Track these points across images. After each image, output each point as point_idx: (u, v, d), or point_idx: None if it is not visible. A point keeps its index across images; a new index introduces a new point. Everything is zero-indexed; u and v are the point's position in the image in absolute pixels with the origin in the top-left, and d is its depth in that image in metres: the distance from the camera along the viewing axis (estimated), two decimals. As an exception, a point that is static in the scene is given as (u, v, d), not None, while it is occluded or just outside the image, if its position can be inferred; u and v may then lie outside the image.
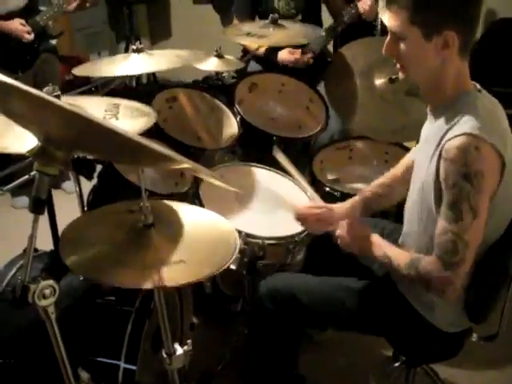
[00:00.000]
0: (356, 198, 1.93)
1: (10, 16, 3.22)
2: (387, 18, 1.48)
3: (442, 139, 1.47)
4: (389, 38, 1.51)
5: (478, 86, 1.55)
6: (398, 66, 1.55)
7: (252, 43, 3.01)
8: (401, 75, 1.57)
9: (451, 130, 1.45)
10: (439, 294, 1.52)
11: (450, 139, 1.43)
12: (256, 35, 2.52)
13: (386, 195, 1.93)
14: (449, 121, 1.48)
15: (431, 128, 1.59)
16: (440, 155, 1.45)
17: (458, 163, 1.40)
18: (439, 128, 1.51)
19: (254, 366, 1.97)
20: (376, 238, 1.67)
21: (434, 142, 1.51)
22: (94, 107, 1.80)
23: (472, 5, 1.43)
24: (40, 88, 1.54)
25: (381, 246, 1.65)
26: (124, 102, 1.86)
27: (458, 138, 1.41)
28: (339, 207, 1.92)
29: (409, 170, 1.79)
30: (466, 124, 1.43)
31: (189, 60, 2.15)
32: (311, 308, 1.76)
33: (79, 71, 2.07)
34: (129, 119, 1.76)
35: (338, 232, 1.72)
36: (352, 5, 2.92)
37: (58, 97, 1.65)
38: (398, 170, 1.94)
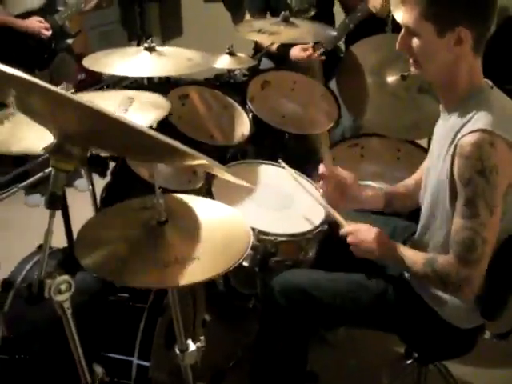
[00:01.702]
0: (378, 190, 1.93)
1: (28, 15, 3.25)
2: (402, 12, 1.48)
3: (455, 136, 1.47)
4: (402, 33, 1.51)
5: (490, 83, 1.55)
6: (411, 61, 1.55)
7: (263, 40, 3.01)
8: (413, 70, 1.57)
9: (465, 126, 1.45)
10: (457, 293, 1.52)
11: (464, 135, 1.43)
12: (267, 32, 2.52)
13: (409, 196, 1.91)
14: (462, 118, 1.48)
15: (444, 126, 1.58)
16: (454, 152, 1.45)
17: (472, 159, 1.40)
18: (453, 125, 1.50)
19: (265, 363, 1.98)
20: (387, 240, 1.67)
21: (447, 140, 1.51)
22: (108, 102, 1.79)
23: (486, 2, 1.43)
24: (57, 85, 1.55)
25: (393, 247, 1.64)
26: (140, 95, 1.85)
27: (472, 135, 1.41)
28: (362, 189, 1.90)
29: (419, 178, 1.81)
30: (480, 120, 1.43)
31: (200, 64, 2.15)
32: (324, 304, 1.76)
33: (89, 62, 2.06)
34: (140, 112, 1.76)
35: (349, 239, 1.71)
36: (362, 3, 2.91)
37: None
38: (420, 172, 1.93)
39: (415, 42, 1.48)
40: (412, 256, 1.60)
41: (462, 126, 1.46)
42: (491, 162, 1.39)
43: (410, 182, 1.94)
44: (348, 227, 1.74)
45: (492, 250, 1.47)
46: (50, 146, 1.03)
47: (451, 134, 1.49)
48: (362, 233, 1.70)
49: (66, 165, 1.05)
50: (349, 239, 1.71)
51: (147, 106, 1.79)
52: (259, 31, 2.54)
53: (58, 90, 0.83)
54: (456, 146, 1.45)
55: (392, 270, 1.80)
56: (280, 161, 2.27)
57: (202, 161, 1.05)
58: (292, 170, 2.21)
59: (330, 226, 2.00)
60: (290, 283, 1.81)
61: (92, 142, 1.06)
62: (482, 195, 1.40)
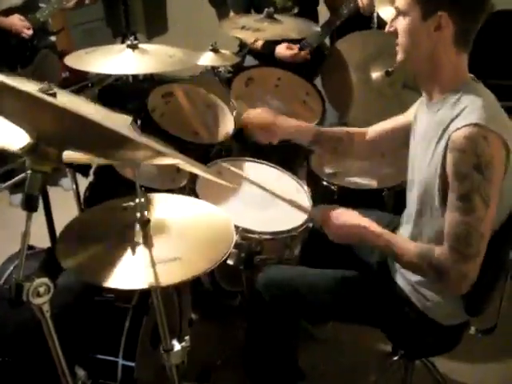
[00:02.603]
0: (313, 125, 2.03)
1: (9, 12, 3.22)
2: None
3: (445, 131, 1.46)
4: (393, 15, 1.55)
5: (475, 78, 1.55)
6: (397, 47, 1.57)
7: (247, 37, 3.00)
8: (398, 56, 1.58)
9: (455, 120, 1.45)
10: (453, 287, 1.50)
11: (456, 130, 1.42)
12: (251, 29, 2.51)
13: (345, 143, 1.96)
14: (450, 111, 1.47)
15: (429, 119, 1.58)
16: (446, 148, 1.44)
17: (467, 153, 1.39)
18: (440, 120, 1.50)
19: (253, 361, 1.97)
20: (374, 226, 1.64)
21: (435, 135, 1.50)
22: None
23: None
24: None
25: (381, 233, 1.61)
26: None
27: (465, 129, 1.40)
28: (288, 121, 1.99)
29: (383, 137, 1.88)
30: (471, 114, 1.42)
31: (182, 61, 2.13)
32: (308, 299, 1.76)
33: (72, 61, 2.04)
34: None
35: (322, 222, 1.69)
36: None
37: (53, 94, 1.64)
38: (371, 130, 1.96)
39: (400, 20, 1.51)
40: (403, 244, 1.58)
41: (452, 121, 1.45)
42: (486, 156, 1.38)
43: (354, 131, 1.98)
44: (324, 210, 1.71)
45: (486, 244, 1.46)
46: (25, 147, 1.02)
47: (439, 128, 1.49)
48: (339, 217, 1.67)
49: (42, 166, 1.04)
50: (325, 228, 1.69)
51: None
52: (243, 28, 2.53)
53: (29, 90, 0.81)
54: (447, 141, 1.44)
55: (377, 267, 1.80)
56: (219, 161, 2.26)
57: (180, 160, 1.04)
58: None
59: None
60: (273, 278, 1.81)
61: (68, 142, 1.04)
62: (478, 190, 1.39)
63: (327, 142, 1.97)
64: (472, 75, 1.56)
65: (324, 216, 1.70)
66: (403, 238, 1.64)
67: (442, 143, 1.47)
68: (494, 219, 1.49)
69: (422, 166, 1.57)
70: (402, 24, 1.51)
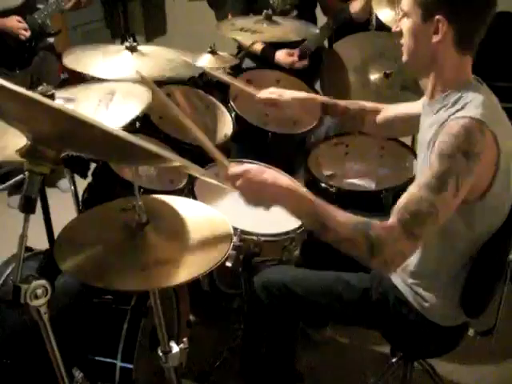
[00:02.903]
0: (321, 96, 2.06)
1: (7, 13, 3.21)
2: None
3: (442, 127, 1.43)
4: (400, 16, 1.57)
5: (479, 80, 1.55)
6: (402, 48, 1.57)
7: (245, 38, 3.00)
8: (403, 58, 1.58)
9: (455, 114, 1.42)
10: (385, 265, 1.38)
11: (454, 119, 1.40)
12: (250, 30, 2.51)
13: (355, 116, 1.99)
14: (450, 110, 1.46)
15: (429, 121, 1.56)
16: (438, 134, 1.42)
17: (460, 139, 1.36)
18: (439, 120, 1.48)
19: (251, 363, 1.97)
20: (303, 190, 1.46)
21: (433, 134, 1.48)
22: (89, 97, 1.76)
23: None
24: (37, 86, 1.53)
25: (311, 199, 1.42)
26: (120, 87, 1.81)
27: (463, 119, 1.39)
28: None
29: (392, 119, 1.89)
30: (472, 109, 1.41)
31: (182, 68, 2.13)
32: (306, 300, 1.76)
33: (70, 61, 2.03)
34: (122, 104, 1.72)
35: (239, 183, 1.40)
36: (345, 5, 2.91)
37: (52, 96, 1.64)
38: (384, 110, 1.97)
39: (404, 21, 1.53)
40: (336, 214, 1.40)
41: (449, 117, 1.43)
42: (477, 149, 1.36)
43: (365, 106, 2.01)
44: (237, 167, 1.42)
45: (435, 229, 1.40)
46: (23, 149, 1.02)
47: (437, 126, 1.46)
48: (257, 174, 1.40)
49: (40, 168, 1.03)
50: (238, 183, 1.40)
51: (129, 97, 1.75)
52: (241, 30, 2.53)
53: (28, 92, 0.81)
54: (441, 126, 1.43)
55: (376, 269, 1.80)
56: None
57: (177, 162, 1.04)
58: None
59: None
60: (271, 280, 1.81)
61: (66, 144, 1.04)
62: (456, 174, 1.35)
63: (337, 113, 2.02)
64: (477, 77, 1.55)
65: (237, 171, 1.41)
66: (333, 207, 1.42)
67: (436, 136, 1.44)
68: (488, 223, 1.50)
69: (422, 168, 1.57)
70: (405, 25, 1.52)
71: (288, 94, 2.06)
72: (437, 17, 1.43)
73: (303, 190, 1.46)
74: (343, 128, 2.75)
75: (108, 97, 1.74)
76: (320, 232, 1.42)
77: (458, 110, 1.43)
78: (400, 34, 1.56)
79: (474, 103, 1.43)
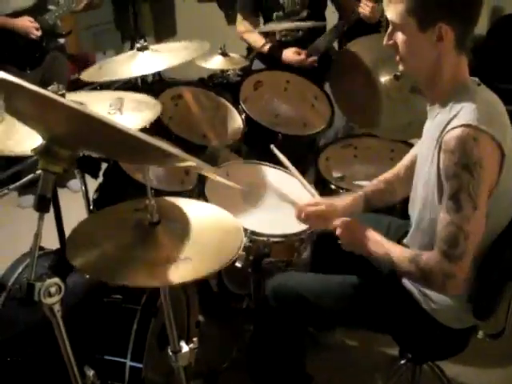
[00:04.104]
0: (359, 193, 1.93)
1: (19, 14, 3.24)
2: (388, 9, 1.51)
3: (441, 134, 1.47)
4: (390, 29, 1.54)
5: (478, 80, 1.55)
6: (397, 58, 1.56)
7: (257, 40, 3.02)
8: (400, 67, 1.58)
9: (450, 123, 1.45)
10: (440, 289, 1.52)
11: (448, 131, 1.43)
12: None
13: (388, 191, 1.93)
14: (447, 114, 1.48)
15: (431, 124, 1.59)
16: (439, 149, 1.45)
17: (457, 153, 1.40)
18: (438, 123, 1.51)
19: (259, 364, 1.97)
20: (374, 235, 1.66)
21: (434, 138, 1.51)
22: (99, 103, 1.79)
23: (468, 1, 1.44)
24: (47, 86, 1.54)
25: (380, 242, 1.64)
26: (128, 96, 1.85)
27: (456, 130, 1.41)
28: (341, 201, 1.91)
29: (412, 167, 1.79)
30: (464, 116, 1.43)
31: (194, 52, 2.13)
32: (316, 306, 1.76)
33: (87, 76, 2.05)
34: (133, 112, 1.75)
35: (338, 232, 1.71)
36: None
37: (62, 95, 1.65)
38: (401, 166, 1.95)
39: (399, 36, 1.51)
40: (399, 253, 1.59)
41: (448, 123, 1.46)
42: (475, 156, 1.39)
43: (388, 176, 1.95)
44: (337, 220, 1.74)
45: (477, 244, 1.46)
46: (38, 148, 1.03)
47: (437, 131, 1.50)
48: (351, 226, 1.70)
49: (54, 167, 1.04)
50: (338, 232, 1.71)
51: (139, 106, 1.78)
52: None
53: (45, 91, 0.82)
54: (441, 142, 1.45)
55: (385, 271, 1.80)
56: (272, 147, 2.26)
57: (191, 163, 1.05)
58: (282, 156, 2.22)
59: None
60: (281, 286, 1.81)
61: (80, 143, 1.05)
62: (467, 189, 1.40)
63: (376, 202, 1.95)
64: (476, 78, 1.56)
65: (337, 223, 1.73)
66: (400, 246, 1.65)
67: (437, 145, 1.48)
68: (495, 222, 1.50)
69: (424, 168, 1.58)
70: (400, 37, 1.51)
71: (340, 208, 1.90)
72: (439, 24, 1.43)
73: (376, 235, 1.66)
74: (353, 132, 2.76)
75: (118, 102, 1.76)
76: (392, 266, 1.62)
77: (453, 117, 1.45)
78: (394, 47, 1.54)
79: (468, 107, 1.44)
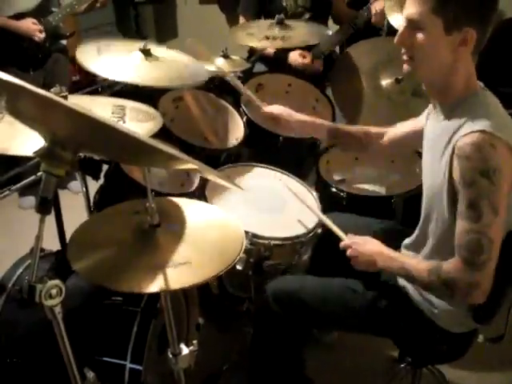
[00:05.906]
0: (328, 123, 2.05)
1: (22, 16, 3.24)
2: (408, 4, 1.45)
3: (452, 138, 1.45)
4: (405, 26, 1.48)
5: (483, 85, 1.55)
6: (406, 58, 1.52)
7: (258, 45, 3.00)
8: (405, 68, 1.54)
9: (462, 127, 1.43)
10: (466, 298, 1.47)
11: (462, 136, 1.41)
12: (262, 36, 2.51)
13: (361, 143, 1.99)
14: (458, 120, 1.46)
15: (437, 127, 1.57)
16: (452, 154, 1.44)
17: (473, 160, 1.38)
18: (447, 128, 1.49)
19: (260, 367, 1.97)
20: (387, 251, 1.65)
21: (442, 142, 1.49)
22: (101, 109, 1.79)
23: (493, 6, 1.43)
24: (49, 87, 1.54)
25: (395, 258, 1.62)
26: (130, 104, 1.85)
27: (471, 135, 1.39)
28: (302, 116, 2.07)
29: (397, 141, 1.89)
30: (478, 122, 1.41)
31: (197, 74, 2.11)
32: (317, 310, 1.76)
33: (81, 53, 2.00)
34: (136, 122, 1.75)
35: (349, 253, 1.70)
36: (365, 8, 2.90)
37: (65, 97, 1.65)
38: (390, 132, 1.96)
39: (419, 36, 1.45)
40: (416, 265, 1.56)
41: (459, 128, 1.44)
42: (494, 163, 1.37)
43: (373, 131, 1.99)
44: (347, 240, 1.73)
45: (498, 251, 1.44)
46: (40, 150, 1.03)
47: (446, 136, 1.48)
48: (361, 245, 1.68)
49: (57, 169, 1.04)
50: (348, 252, 1.69)
51: (141, 117, 1.78)
52: (253, 35, 2.53)
53: (47, 93, 0.82)
54: (453, 148, 1.43)
55: (385, 275, 1.80)
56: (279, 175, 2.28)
57: (193, 165, 1.05)
58: (288, 182, 2.24)
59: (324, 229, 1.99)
60: (282, 289, 1.81)
61: (82, 145, 1.05)
62: (486, 196, 1.37)
63: (342, 139, 2.00)
64: (480, 83, 1.55)
65: (347, 243, 1.72)
66: (415, 259, 1.64)
67: (449, 150, 1.46)
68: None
69: (430, 173, 1.57)
70: (420, 37, 1.44)
71: (295, 117, 2.07)
72: (466, 29, 1.40)
73: (388, 251, 1.65)
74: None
75: (120, 111, 1.76)
76: (409, 280, 1.64)
77: (464, 123, 1.44)
78: (405, 46, 1.50)
79: (480, 113, 1.43)
